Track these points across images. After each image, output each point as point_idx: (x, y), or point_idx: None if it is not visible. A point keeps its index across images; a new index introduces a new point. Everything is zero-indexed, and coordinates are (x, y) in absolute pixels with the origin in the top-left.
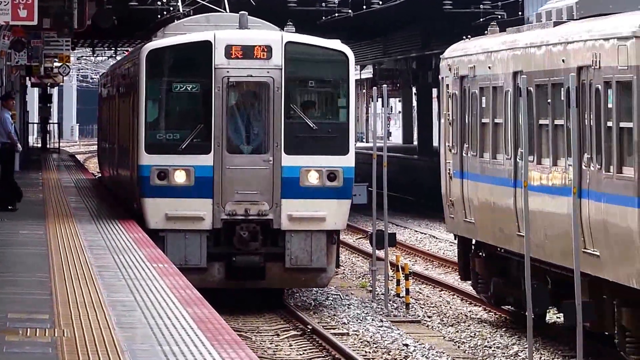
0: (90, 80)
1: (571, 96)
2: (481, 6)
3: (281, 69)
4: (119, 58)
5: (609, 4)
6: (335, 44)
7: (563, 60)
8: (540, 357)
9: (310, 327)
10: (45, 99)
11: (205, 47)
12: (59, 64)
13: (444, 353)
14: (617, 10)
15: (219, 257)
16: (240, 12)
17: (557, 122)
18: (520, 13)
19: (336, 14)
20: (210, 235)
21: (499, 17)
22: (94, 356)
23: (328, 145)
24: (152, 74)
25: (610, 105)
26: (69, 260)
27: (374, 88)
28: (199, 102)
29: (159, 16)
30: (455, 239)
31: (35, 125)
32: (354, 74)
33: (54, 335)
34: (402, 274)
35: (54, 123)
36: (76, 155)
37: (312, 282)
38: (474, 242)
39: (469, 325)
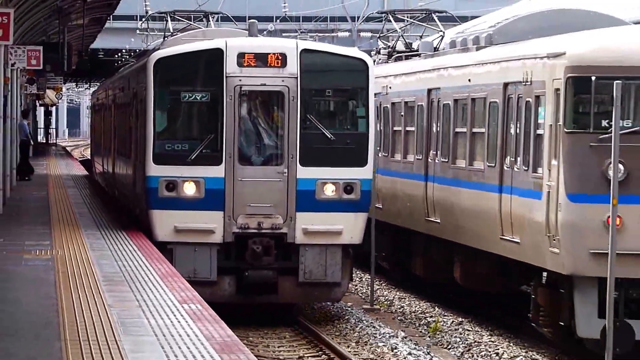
0: (74, 102)
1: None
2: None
3: (297, 77)
4: (92, 89)
5: (518, 33)
6: (354, 51)
7: (469, 80)
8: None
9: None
10: (47, 114)
11: (216, 55)
12: (55, 93)
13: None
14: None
15: (229, 271)
16: (249, 21)
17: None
18: None
19: None
20: (220, 249)
21: None
22: (77, 268)
23: (346, 157)
24: (160, 83)
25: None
26: (62, 210)
27: None
28: (209, 112)
29: (116, 64)
30: None
31: (42, 129)
32: (373, 82)
33: (52, 254)
34: None
35: (53, 128)
36: (67, 148)
37: (325, 296)
38: None
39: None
